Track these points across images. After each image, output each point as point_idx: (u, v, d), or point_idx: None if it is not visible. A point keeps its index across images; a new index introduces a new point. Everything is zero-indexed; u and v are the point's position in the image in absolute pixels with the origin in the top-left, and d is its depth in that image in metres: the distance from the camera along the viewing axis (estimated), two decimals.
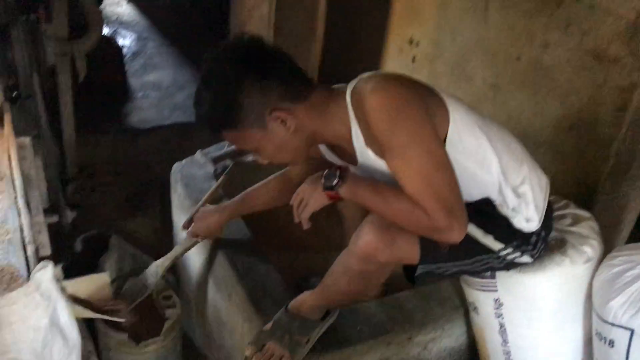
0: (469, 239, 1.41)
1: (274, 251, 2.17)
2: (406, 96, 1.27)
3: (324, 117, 1.38)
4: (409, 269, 1.50)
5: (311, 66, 2.73)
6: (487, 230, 1.44)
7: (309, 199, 1.44)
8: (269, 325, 1.60)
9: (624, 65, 1.72)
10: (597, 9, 1.78)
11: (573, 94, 1.90)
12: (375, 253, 1.39)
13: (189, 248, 1.96)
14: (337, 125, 1.38)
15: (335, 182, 1.37)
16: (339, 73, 3.10)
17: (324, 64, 2.78)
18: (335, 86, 1.45)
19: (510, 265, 1.52)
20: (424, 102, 1.31)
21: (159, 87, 3.77)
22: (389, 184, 1.36)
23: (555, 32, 1.93)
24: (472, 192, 1.43)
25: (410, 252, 1.41)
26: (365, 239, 1.39)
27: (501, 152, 1.43)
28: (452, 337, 1.83)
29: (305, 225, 1.48)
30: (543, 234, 1.51)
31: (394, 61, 2.84)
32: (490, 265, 1.50)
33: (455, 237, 1.27)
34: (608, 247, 1.92)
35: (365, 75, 1.39)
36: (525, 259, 1.50)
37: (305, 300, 1.59)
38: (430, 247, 1.39)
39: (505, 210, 1.47)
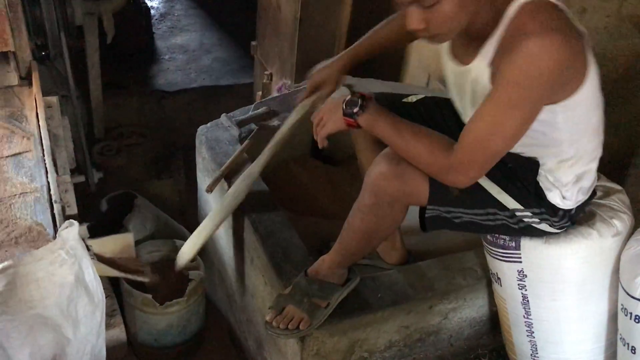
0: (481, 189, 1.42)
1: (297, 217, 2.18)
2: (565, 65, 1.19)
3: (485, 6, 1.26)
4: (423, 216, 1.48)
5: (337, 31, 2.67)
6: (504, 188, 1.42)
7: (328, 120, 1.49)
8: (288, 289, 1.60)
9: None
10: None
11: (610, 62, 1.83)
12: (385, 184, 1.41)
13: (302, 116, 1.83)
14: (487, 20, 1.27)
15: (355, 110, 1.41)
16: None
17: (351, 32, 2.73)
18: None
19: (528, 230, 1.48)
20: (578, 66, 1.24)
21: (185, 50, 3.77)
22: (409, 122, 1.39)
23: None
24: (537, 149, 1.40)
25: (419, 188, 1.41)
26: (376, 170, 1.42)
27: (590, 145, 1.41)
28: (473, 307, 1.82)
29: (321, 144, 1.54)
30: (573, 212, 1.48)
31: None
32: (504, 223, 1.46)
33: (457, 182, 1.30)
34: (638, 222, 1.88)
35: None
36: (544, 226, 1.47)
37: (324, 261, 1.61)
38: (439, 188, 1.39)
39: (544, 181, 1.43)
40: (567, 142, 1.37)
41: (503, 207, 1.44)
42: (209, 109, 3.30)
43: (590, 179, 1.47)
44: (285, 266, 1.71)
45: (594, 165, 1.46)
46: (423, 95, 1.74)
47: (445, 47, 1.47)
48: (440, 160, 1.30)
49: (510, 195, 1.43)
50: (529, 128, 1.26)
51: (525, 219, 1.45)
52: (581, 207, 1.50)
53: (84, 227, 1.89)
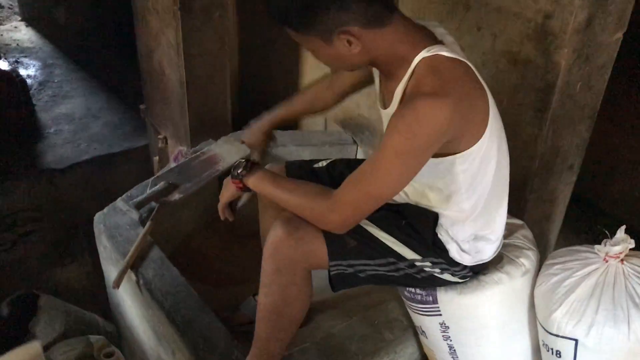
0: (377, 240, 1.44)
1: (214, 289, 2.11)
2: (445, 122, 1.21)
3: (388, 52, 1.30)
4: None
5: (228, 86, 2.63)
6: (399, 239, 1.44)
7: (223, 190, 1.61)
8: None
9: (537, 66, 1.73)
10: (504, 12, 1.78)
11: (493, 96, 1.89)
12: (282, 246, 1.40)
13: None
14: (396, 68, 1.32)
15: (240, 171, 1.50)
16: (259, 87, 3.03)
17: (242, 82, 2.69)
18: (420, 22, 1.36)
19: (432, 280, 1.49)
20: (462, 122, 1.25)
21: (72, 119, 3.58)
22: (291, 179, 1.52)
23: (468, 36, 1.92)
24: (435, 200, 1.43)
25: (316, 246, 1.41)
26: (272, 234, 1.43)
27: (491, 204, 1.44)
28: (404, 357, 1.81)
29: (222, 216, 1.66)
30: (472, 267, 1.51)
31: (313, 70, 2.79)
32: (407, 273, 1.47)
33: (335, 221, 1.33)
34: (541, 240, 1.96)
35: (443, 50, 1.27)
36: (447, 276, 1.49)
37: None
38: (335, 242, 1.41)
39: (442, 234, 1.46)
40: (465, 196, 1.39)
41: (402, 257, 1.45)
42: (106, 179, 3.15)
43: (491, 246, 1.50)
44: (210, 357, 1.63)
45: (495, 233, 1.49)
46: (333, 159, 1.77)
47: (376, 87, 1.49)
48: (320, 203, 1.34)
49: (406, 246, 1.45)
50: (412, 177, 1.28)
51: (426, 269, 1.47)
52: (483, 265, 1.52)
53: None
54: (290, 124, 1.87)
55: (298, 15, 1.25)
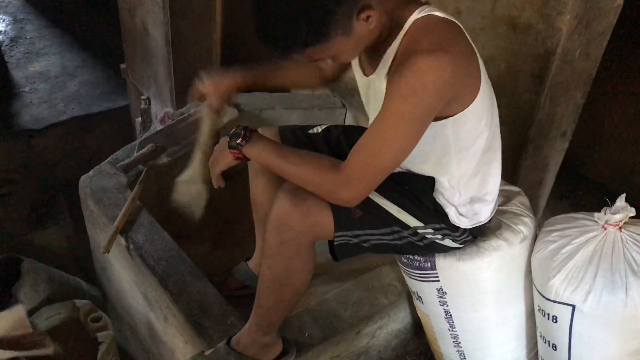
0: (382, 209, 1.42)
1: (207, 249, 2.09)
2: (448, 81, 1.19)
3: (388, 18, 1.27)
4: (333, 247, 1.46)
5: (212, 48, 2.55)
6: (402, 207, 1.43)
7: (217, 158, 1.50)
8: (209, 351, 1.52)
9: (537, 32, 1.71)
10: None
11: (490, 61, 1.87)
12: (288, 218, 1.36)
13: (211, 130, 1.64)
14: (387, 33, 1.29)
15: (239, 141, 1.40)
16: (242, 51, 2.95)
17: (226, 44, 2.62)
18: None
19: (433, 247, 1.50)
20: (462, 81, 1.24)
21: (47, 78, 3.44)
22: (293, 148, 1.42)
23: (467, 0, 1.89)
24: (425, 166, 1.42)
25: (323, 218, 1.38)
26: (277, 205, 1.37)
27: (483, 169, 1.43)
28: (397, 320, 1.84)
29: (216, 184, 1.55)
30: (471, 229, 1.51)
31: None
32: (409, 241, 1.47)
33: (346, 196, 1.28)
34: (533, 205, 1.97)
35: (435, 11, 1.26)
36: (448, 242, 1.49)
37: (244, 331, 1.52)
38: (342, 213, 1.38)
39: (440, 198, 1.46)
40: (455, 159, 1.39)
41: (405, 226, 1.45)
42: (85, 140, 3.07)
43: (487, 207, 1.50)
44: (204, 322, 1.62)
45: (491, 194, 1.49)
46: (327, 125, 1.71)
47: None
48: (330, 178, 1.29)
49: (409, 214, 1.44)
50: (417, 142, 1.26)
51: (428, 236, 1.47)
52: (480, 227, 1.53)
53: None
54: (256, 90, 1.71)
55: (316, 28, 1.17)
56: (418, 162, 1.43)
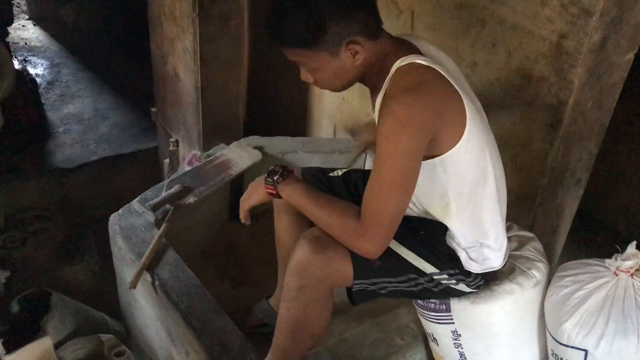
0: (399, 257, 1.47)
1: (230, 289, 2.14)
2: (420, 118, 1.28)
3: (376, 64, 1.38)
4: (351, 291, 1.50)
5: (240, 93, 2.67)
6: (419, 254, 1.48)
7: (252, 193, 1.62)
8: None
9: (551, 84, 1.78)
10: (519, 30, 1.83)
11: (505, 110, 1.95)
12: (309, 265, 1.41)
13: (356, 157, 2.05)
14: (378, 79, 1.40)
15: (275, 177, 1.51)
16: (268, 95, 3.07)
17: (252, 92, 2.73)
18: (403, 37, 1.45)
19: (448, 291, 1.53)
20: (437, 119, 1.31)
21: (80, 119, 3.60)
22: (323, 193, 1.50)
23: (482, 52, 1.97)
24: (433, 211, 1.47)
25: (343, 266, 1.43)
26: (299, 252, 1.42)
27: (485, 208, 1.47)
28: None
29: (243, 219, 1.66)
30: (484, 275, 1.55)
31: None
32: (425, 287, 1.51)
33: (368, 249, 1.34)
34: (547, 252, 2.00)
35: (418, 59, 1.35)
36: (462, 287, 1.53)
37: None
38: (361, 263, 1.43)
39: (451, 242, 1.50)
40: (454, 204, 1.44)
41: (422, 273, 1.49)
42: (114, 180, 3.18)
43: (496, 255, 1.53)
44: (224, 358, 1.66)
45: (497, 242, 1.52)
46: (347, 169, 1.80)
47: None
48: (352, 224, 1.35)
49: (425, 260, 1.48)
50: (415, 179, 1.32)
51: (443, 282, 1.51)
52: (493, 273, 1.56)
53: None
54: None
55: (309, 34, 1.30)
56: (425, 206, 1.48)
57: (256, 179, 1.64)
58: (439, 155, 1.36)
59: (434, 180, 1.40)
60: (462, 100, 1.36)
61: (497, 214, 1.52)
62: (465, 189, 1.43)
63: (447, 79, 1.35)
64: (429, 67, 1.34)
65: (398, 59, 1.36)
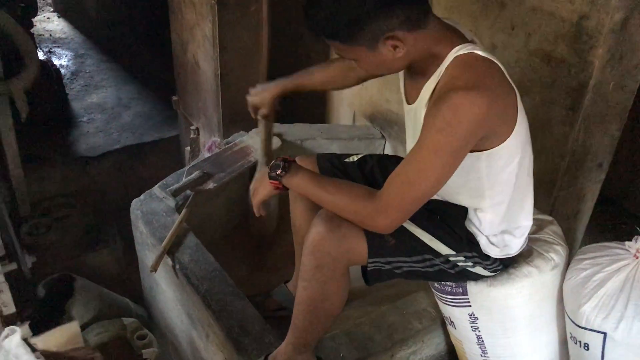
0: (415, 237, 1.47)
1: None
2: (481, 116, 1.24)
3: (426, 51, 1.34)
4: (365, 271, 1.51)
5: (259, 80, 2.67)
6: (435, 235, 1.48)
7: (259, 188, 1.59)
8: None
9: (570, 66, 1.75)
10: (539, 11, 1.80)
11: (524, 93, 1.91)
12: (324, 244, 1.42)
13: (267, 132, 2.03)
14: (428, 65, 1.36)
15: (279, 172, 1.49)
16: None
17: (271, 75, 2.74)
18: (448, 22, 1.39)
19: (464, 274, 1.53)
20: (495, 118, 1.29)
21: (103, 109, 3.66)
22: (330, 178, 1.49)
23: (501, 34, 1.95)
24: (459, 197, 1.47)
25: (358, 244, 1.43)
26: (314, 231, 1.43)
27: (516, 204, 1.47)
28: (431, 346, 1.86)
29: (257, 213, 1.63)
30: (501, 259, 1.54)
31: None
32: (441, 269, 1.51)
33: (379, 225, 1.34)
34: (569, 236, 1.98)
35: (477, 49, 1.31)
36: (479, 270, 1.52)
37: (280, 350, 1.58)
38: (376, 241, 1.43)
39: (471, 227, 1.50)
40: (488, 193, 1.43)
41: (437, 254, 1.49)
42: (136, 168, 3.22)
43: (518, 240, 1.52)
44: (244, 340, 1.68)
45: (521, 229, 1.52)
46: (363, 154, 1.79)
47: (401, 84, 1.52)
48: (366, 206, 1.34)
49: (441, 242, 1.48)
50: (452, 174, 1.31)
51: (460, 263, 1.50)
52: (512, 258, 1.55)
53: (26, 326, 1.80)
54: (299, 94, 1.87)
55: (345, 28, 1.27)
56: (451, 193, 1.48)
57: (258, 172, 1.63)
58: (487, 149, 1.35)
59: (472, 172, 1.39)
60: (516, 95, 1.35)
61: (529, 202, 1.52)
62: (504, 179, 1.42)
63: (504, 74, 1.33)
64: (487, 59, 1.31)
65: (453, 46, 1.32)
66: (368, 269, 1.49)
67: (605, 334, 1.43)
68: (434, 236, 1.48)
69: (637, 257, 1.45)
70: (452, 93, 1.24)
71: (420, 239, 1.48)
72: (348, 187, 1.42)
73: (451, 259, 1.49)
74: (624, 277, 1.44)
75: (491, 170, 1.39)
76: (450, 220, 1.50)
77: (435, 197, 1.50)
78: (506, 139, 1.34)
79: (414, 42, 1.30)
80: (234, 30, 2.47)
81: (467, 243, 1.50)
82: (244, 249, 2.41)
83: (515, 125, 1.35)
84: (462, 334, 1.67)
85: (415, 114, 1.43)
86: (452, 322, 1.68)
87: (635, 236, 1.47)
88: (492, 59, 1.32)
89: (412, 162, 1.30)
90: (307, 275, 1.48)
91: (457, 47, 1.32)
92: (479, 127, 1.26)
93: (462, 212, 1.49)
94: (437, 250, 1.48)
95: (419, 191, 1.30)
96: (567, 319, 1.55)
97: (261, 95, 1.85)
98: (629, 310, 1.40)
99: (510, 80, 1.35)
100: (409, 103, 1.48)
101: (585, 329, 1.47)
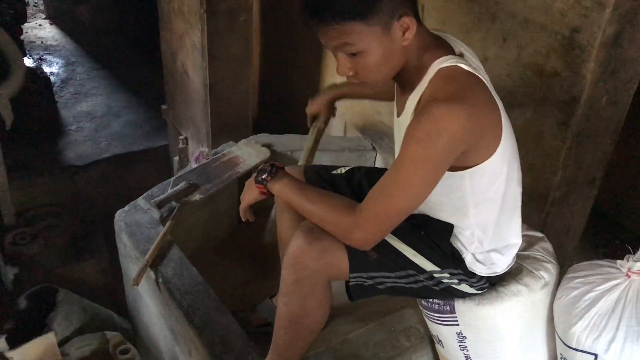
0: (398, 252, 1.44)
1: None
2: (461, 129, 1.21)
3: (415, 57, 1.31)
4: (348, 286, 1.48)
5: (250, 91, 2.65)
6: (419, 251, 1.44)
7: (245, 192, 1.59)
8: None
9: (562, 79, 1.73)
10: (531, 24, 1.78)
11: (516, 107, 1.89)
12: (304, 257, 1.39)
13: (317, 138, 2.10)
14: (414, 76, 1.33)
15: (264, 176, 1.48)
16: (279, 92, 3.05)
17: (263, 86, 2.71)
18: (438, 34, 1.38)
19: (449, 291, 1.49)
20: (476, 133, 1.26)
21: (93, 117, 3.62)
22: (314, 188, 1.47)
23: (493, 47, 1.92)
24: (443, 215, 1.44)
25: (338, 258, 1.40)
26: (294, 244, 1.40)
27: (502, 222, 1.43)
28: None
29: (244, 218, 1.63)
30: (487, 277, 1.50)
31: (334, 76, 2.80)
32: (425, 285, 1.47)
33: (358, 240, 1.32)
34: (560, 253, 1.95)
35: (461, 62, 1.28)
36: (465, 288, 1.48)
37: None
38: (358, 255, 1.40)
39: (457, 244, 1.46)
40: (473, 212, 1.40)
41: (421, 270, 1.45)
42: (125, 178, 3.18)
43: (505, 258, 1.49)
44: (226, 357, 1.64)
45: (508, 248, 1.48)
46: (351, 167, 1.76)
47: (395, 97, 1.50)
48: (344, 218, 1.32)
49: (426, 258, 1.45)
50: (432, 188, 1.28)
51: (444, 280, 1.47)
52: (499, 276, 1.52)
53: (2, 339, 1.76)
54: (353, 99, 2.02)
55: (364, 1, 1.21)
56: (434, 210, 1.45)
57: (250, 178, 1.61)
58: (470, 166, 1.32)
59: (456, 190, 1.36)
60: (500, 112, 1.32)
61: (516, 221, 1.49)
62: (489, 198, 1.39)
63: (488, 89, 1.30)
64: (471, 73, 1.28)
65: (436, 57, 1.29)
66: (350, 284, 1.45)
67: (596, 355, 1.39)
68: (417, 251, 1.44)
69: (629, 277, 1.41)
70: (432, 104, 1.22)
71: (403, 254, 1.44)
72: (330, 198, 1.39)
73: (435, 275, 1.46)
74: (616, 297, 1.40)
75: (475, 189, 1.36)
76: (435, 235, 1.46)
77: (418, 211, 1.47)
78: (489, 156, 1.31)
79: (416, 34, 1.27)
80: (223, 40, 2.44)
81: (453, 260, 1.46)
82: (232, 262, 2.37)
83: (500, 142, 1.31)
84: (451, 353, 1.63)
85: (401, 127, 1.40)
86: (440, 340, 1.64)
87: (627, 255, 1.43)
88: (477, 74, 1.29)
89: (391, 175, 1.28)
90: (287, 290, 1.44)
91: (441, 59, 1.29)
92: (459, 140, 1.23)
93: (448, 227, 1.45)
94: (421, 266, 1.45)
95: (397, 205, 1.27)
96: (557, 340, 1.51)
97: (318, 102, 1.98)
98: (620, 332, 1.36)
99: (496, 96, 1.32)
100: (398, 116, 1.45)
101: (576, 350, 1.43)
